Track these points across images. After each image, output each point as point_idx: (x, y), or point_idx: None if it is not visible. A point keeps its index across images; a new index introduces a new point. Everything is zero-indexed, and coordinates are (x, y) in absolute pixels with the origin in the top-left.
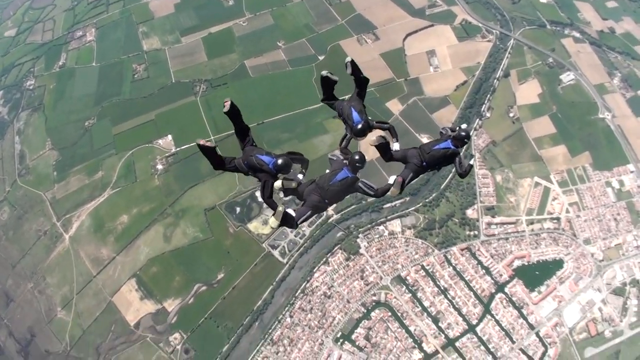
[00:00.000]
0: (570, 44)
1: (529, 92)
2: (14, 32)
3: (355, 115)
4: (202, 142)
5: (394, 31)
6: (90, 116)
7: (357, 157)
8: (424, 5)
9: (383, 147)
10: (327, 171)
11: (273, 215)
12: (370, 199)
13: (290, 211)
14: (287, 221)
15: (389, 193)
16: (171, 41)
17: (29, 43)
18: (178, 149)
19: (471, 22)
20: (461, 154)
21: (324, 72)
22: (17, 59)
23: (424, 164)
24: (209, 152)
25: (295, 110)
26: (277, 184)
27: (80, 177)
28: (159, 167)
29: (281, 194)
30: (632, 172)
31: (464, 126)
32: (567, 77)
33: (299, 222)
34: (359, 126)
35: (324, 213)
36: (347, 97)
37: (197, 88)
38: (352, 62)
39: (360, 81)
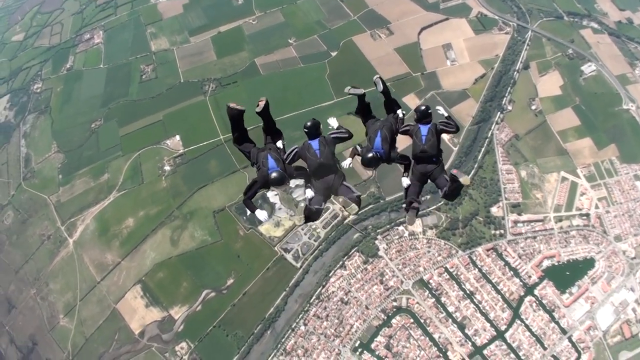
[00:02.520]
0: (589, 35)
1: (550, 84)
2: (21, 36)
3: (377, 141)
4: (232, 104)
5: (408, 25)
6: (97, 118)
7: (309, 124)
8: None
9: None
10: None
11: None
12: (389, 198)
13: (314, 205)
14: (311, 217)
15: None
16: (180, 41)
17: (36, 47)
18: (186, 149)
19: (487, 15)
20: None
21: (346, 89)
22: (25, 62)
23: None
24: (236, 118)
25: (308, 107)
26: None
27: (86, 180)
28: (167, 168)
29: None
30: None
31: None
32: (588, 68)
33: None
34: (369, 155)
35: (340, 213)
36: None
37: (206, 87)
38: (381, 78)
39: (389, 99)
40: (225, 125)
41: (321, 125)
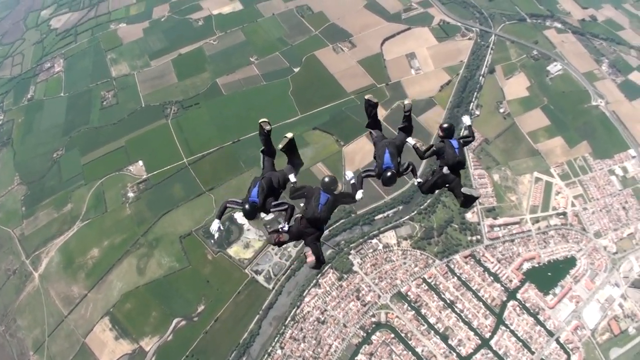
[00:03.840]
0: (553, 35)
1: (517, 86)
2: None
3: (386, 158)
4: (263, 121)
5: (371, 37)
6: (59, 147)
7: (327, 180)
8: (399, 10)
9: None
10: (302, 205)
11: (309, 262)
12: (360, 212)
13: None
14: (319, 265)
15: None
16: (140, 65)
17: None
18: (150, 174)
19: (449, 22)
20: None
21: (366, 96)
22: None
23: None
24: (266, 136)
25: (273, 125)
26: (270, 240)
27: (49, 211)
28: (130, 195)
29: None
30: (633, 157)
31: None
32: (554, 68)
33: (322, 259)
34: (388, 174)
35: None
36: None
37: (168, 110)
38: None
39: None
40: (189, 148)
41: (337, 183)
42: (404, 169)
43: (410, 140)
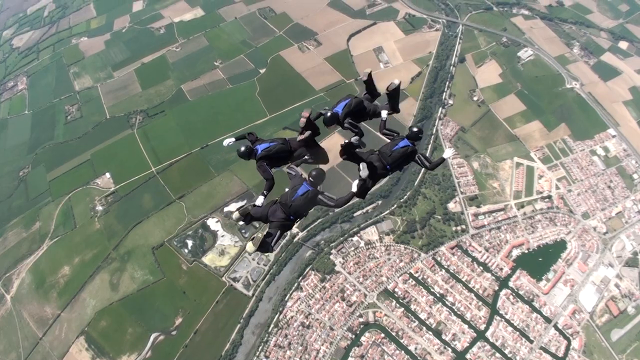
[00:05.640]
0: (521, 22)
1: (488, 73)
2: None
3: (339, 106)
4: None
5: (336, 34)
6: (25, 165)
7: (314, 173)
8: (363, 6)
9: (347, 148)
10: (287, 189)
11: (251, 240)
12: (337, 209)
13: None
14: (264, 246)
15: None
16: (103, 77)
17: None
18: (118, 186)
19: (415, 15)
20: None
21: (366, 70)
22: None
23: (387, 166)
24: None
25: (241, 127)
26: (235, 215)
27: (18, 231)
28: (99, 208)
29: (240, 223)
30: (613, 136)
31: (414, 129)
32: (525, 54)
33: (273, 246)
34: (328, 114)
35: (288, 233)
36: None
37: (133, 120)
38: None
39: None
40: (156, 156)
41: (323, 177)
42: (347, 124)
43: (384, 115)
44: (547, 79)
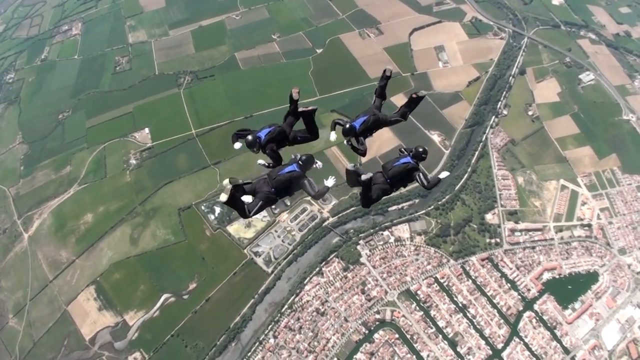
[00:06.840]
0: (586, 45)
1: (547, 90)
2: (1, 28)
3: (360, 120)
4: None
5: (399, 26)
6: (66, 109)
7: (304, 157)
8: (431, 3)
9: (350, 174)
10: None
11: (223, 191)
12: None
13: (247, 198)
14: (236, 204)
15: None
16: (158, 34)
17: (14, 38)
18: (155, 143)
19: (481, 20)
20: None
21: (387, 69)
22: (1, 54)
23: (389, 180)
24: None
25: (288, 102)
26: (225, 182)
27: (47, 172)
28: (132, 161)
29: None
30: None
31: (420, 149)
32: (586, 77)
33: (250, 213)
34: (347, 125)
35: (318, 215)
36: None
37: (181, 80)
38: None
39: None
40: (199, 119)
41: (310, 164)
42: (361, 141)
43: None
44: (604, 106)
